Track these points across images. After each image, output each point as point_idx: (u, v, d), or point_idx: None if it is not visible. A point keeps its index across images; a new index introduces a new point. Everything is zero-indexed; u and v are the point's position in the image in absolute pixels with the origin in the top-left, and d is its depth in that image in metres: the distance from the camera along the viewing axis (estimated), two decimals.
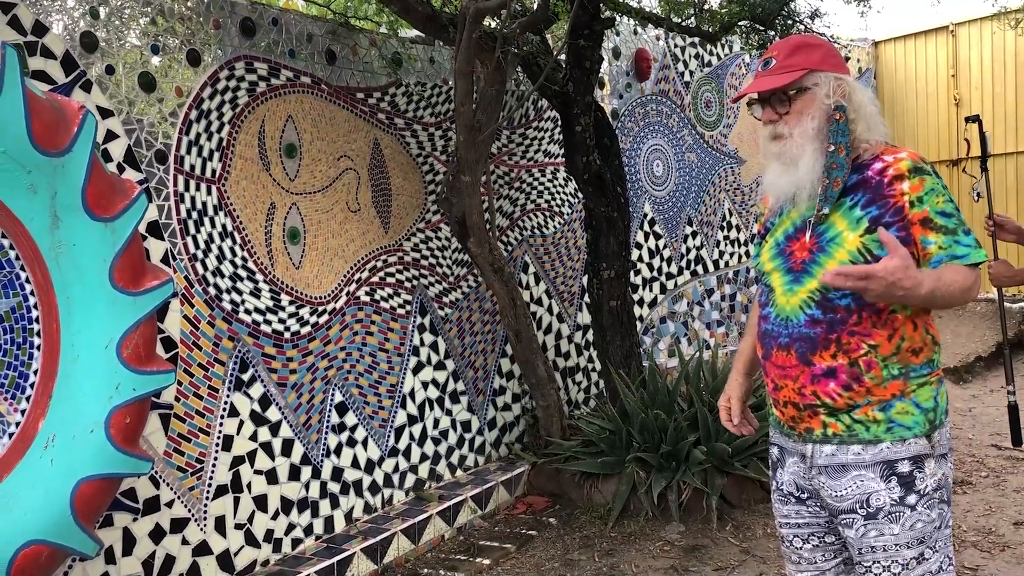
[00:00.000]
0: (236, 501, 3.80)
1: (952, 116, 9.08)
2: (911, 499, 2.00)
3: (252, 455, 3.87)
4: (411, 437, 4.69)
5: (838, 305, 2.01)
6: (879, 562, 2.03)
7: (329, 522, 4.21)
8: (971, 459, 4.99)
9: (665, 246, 6.75)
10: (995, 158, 8.82)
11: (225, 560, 3.74)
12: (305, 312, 4.18)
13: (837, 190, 2.01)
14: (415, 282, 4.81)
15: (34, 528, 2.60)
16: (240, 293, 3.88)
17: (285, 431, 4.03)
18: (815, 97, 2.05)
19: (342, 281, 4.39)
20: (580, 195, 5.60)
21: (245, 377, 3.86)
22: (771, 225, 2.22)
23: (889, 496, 2.00)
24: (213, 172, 3.81)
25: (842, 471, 2.04)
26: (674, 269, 6.83)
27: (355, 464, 4.36)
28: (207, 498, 3.68)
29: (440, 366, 4.91)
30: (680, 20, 5.37)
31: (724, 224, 7.41)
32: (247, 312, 3.90)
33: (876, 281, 1.81)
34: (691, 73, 7.13)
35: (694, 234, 7.06)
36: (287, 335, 4.08)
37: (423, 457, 4.75)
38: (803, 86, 2.05)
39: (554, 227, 5.78)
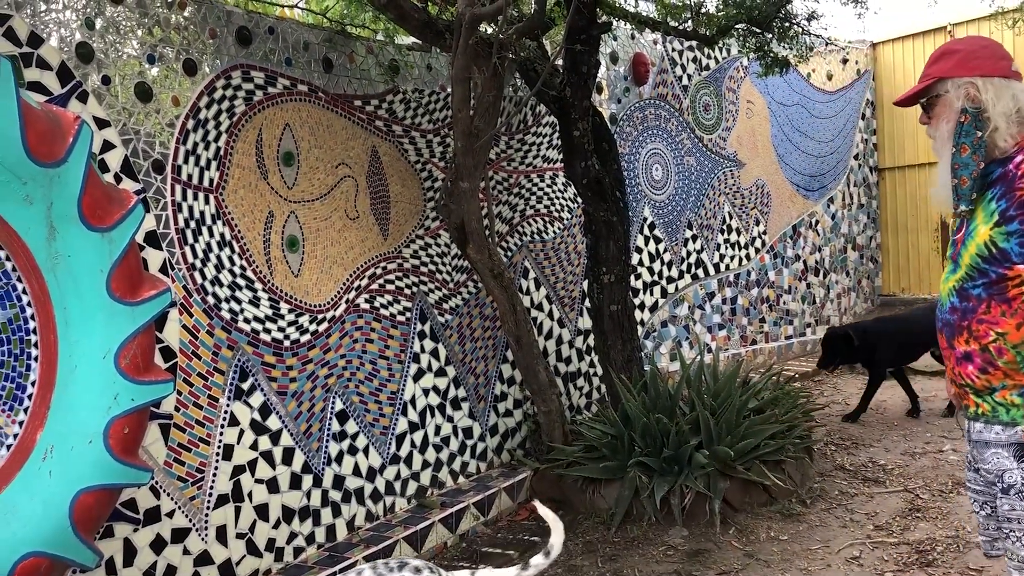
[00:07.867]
0: (237, 510, 3.79)
1: None
2: None
3: (253, 464, 3.87)
4: (412, 444, 4.67)
5: (971, 295, 2.17)
6: (1015, 531, 2.20)
7: (331, 530, 4.20)
8: None
9: (665, 250, 6.74)
10: None
11: (227, 570, 3.73)
12: (304, 320, 4.17)
13: (966, 187, 2.16)
14: (415, 289, 4.80)
15: (33, 540, 2.58)
16: (239, 302, 3.87)
17: (286, 440, 4.02)
18: (948, 102, 2.21)
19: (341, 289, 4.39)
20: (579, 200, 5.60)
21: (245, 386, 3.86)
22: None
23: (1020, 475, 2.17)
24: (211, 181, 3.81)
25: (985, 447, 2.23)
26: (674, 273, 6.83)
27: (356, 472, 4.35)
28: (208, 508, 3.67)
29: (441, 372, 4.90)
30: (677, 24, 5.36)
31: (724, 227, 7.40)
32: (246, 321, 3.89)
33: None
34: (689, 77, 7.13)
35: (694, 238, 7.05)
36: (287, 343, 4.07)
37: (425, 464, 4.74)
38: (936, 93, 2.22)
39: (554, 232, 5.78)
